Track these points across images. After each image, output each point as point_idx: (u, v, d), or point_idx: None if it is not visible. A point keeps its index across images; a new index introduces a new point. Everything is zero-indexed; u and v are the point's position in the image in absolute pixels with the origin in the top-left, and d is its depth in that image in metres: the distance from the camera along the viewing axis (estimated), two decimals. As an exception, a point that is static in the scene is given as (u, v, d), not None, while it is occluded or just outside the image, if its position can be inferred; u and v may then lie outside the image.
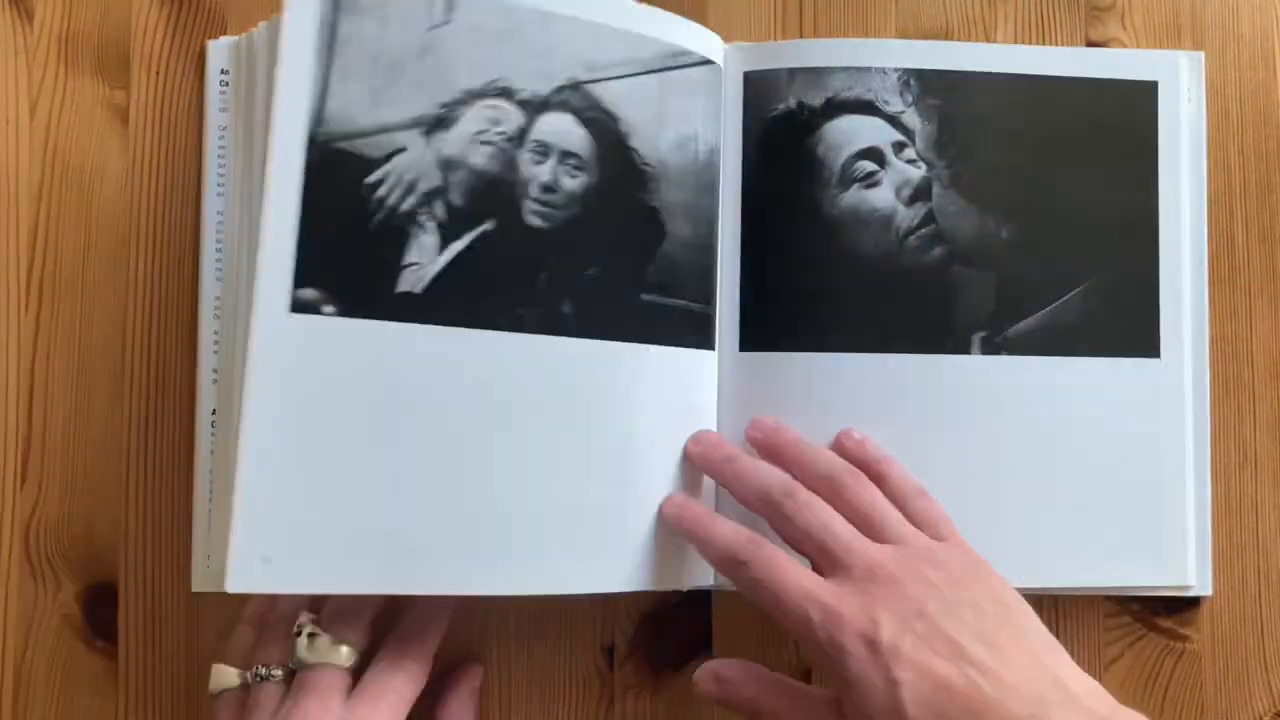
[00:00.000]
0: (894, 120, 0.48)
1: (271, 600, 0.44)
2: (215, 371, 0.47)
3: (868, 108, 0.48)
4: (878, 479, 0.44)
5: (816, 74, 0.48)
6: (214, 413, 0.47)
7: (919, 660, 0.37)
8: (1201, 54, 0.50)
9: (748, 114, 0.48)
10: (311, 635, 0.41)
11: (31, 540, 0.47)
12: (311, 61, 0.41)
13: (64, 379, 0.47)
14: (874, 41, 0.50)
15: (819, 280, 0.47)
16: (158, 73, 0.49)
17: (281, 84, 0.40)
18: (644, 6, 0.46)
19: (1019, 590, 0.41)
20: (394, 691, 0.41)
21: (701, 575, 0.45)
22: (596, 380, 0.44)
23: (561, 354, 0.43)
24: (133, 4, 0.49)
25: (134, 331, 0.48)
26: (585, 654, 0.48)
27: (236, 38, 0.49)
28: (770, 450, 0.46)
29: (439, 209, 0.42)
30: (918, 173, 0.48)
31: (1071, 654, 0.39)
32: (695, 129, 0.46)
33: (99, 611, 0.47)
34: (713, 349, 0.47)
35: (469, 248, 0.42)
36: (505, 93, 0.43)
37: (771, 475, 0.43)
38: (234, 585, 0.39)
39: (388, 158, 0.41)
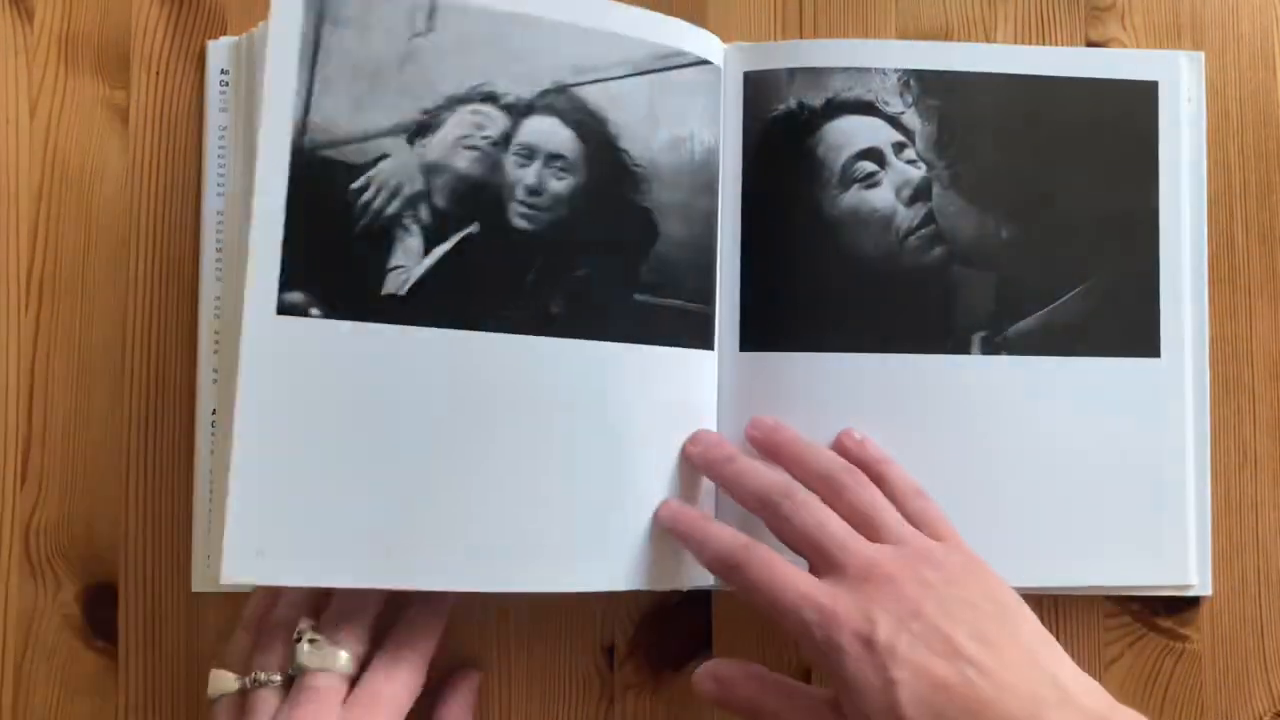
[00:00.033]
0: (894, 121, 0.48)
1: (270, 605, 0.44)
2: (215, 371, 0.47)
3: (868, 108, 0.48)
4: (877, 479, 0.44)
5: (816, 74, 0.48)
6: (214, 413, 0.47)
7: (915, 659, 0.37)
8: (1201, 54, 0.50)
9: (748, 114, 0.48)
10: (311, 641, 0.41)
11: (31, 540, 0.47)
12: (295, 72, 0.42)
13: (64, 379, 0.47)
14: (874, 42, 0.50)
15: (819, 280, 0.47)
16: (158, 73, 0.49)
17: (266, 95, 0.41)
18: (634, 9, 0.46)
19: (1019, 590, 0.41)
20: (390, 697, 0.41)
21: (701, 575, 0.45)
22: (587, 380, 0.44)
23: (550, 354, 0.43)
24: (133, 4, 0.49)
25: (134, 331, 0.48)
26: (585, 654, 0.48)
27: (236, 38, 0.49)
28: (769, 449, 0.46)
29: (423, 213, 0.43)
30: (918, 173, 0.48)
31: (1071, 654, 0.39)
32: (690, 129, 0.46)
33: (99, 611, 0.47)
34: (712, 349, 0.47)
35: (453, 250, 0.43)
36: (489, 97, 0.44)
37: (768, 476, 0.43)
38: (229, 576, 0.40)
39: (372, 164, 0.42)
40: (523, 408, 0.43)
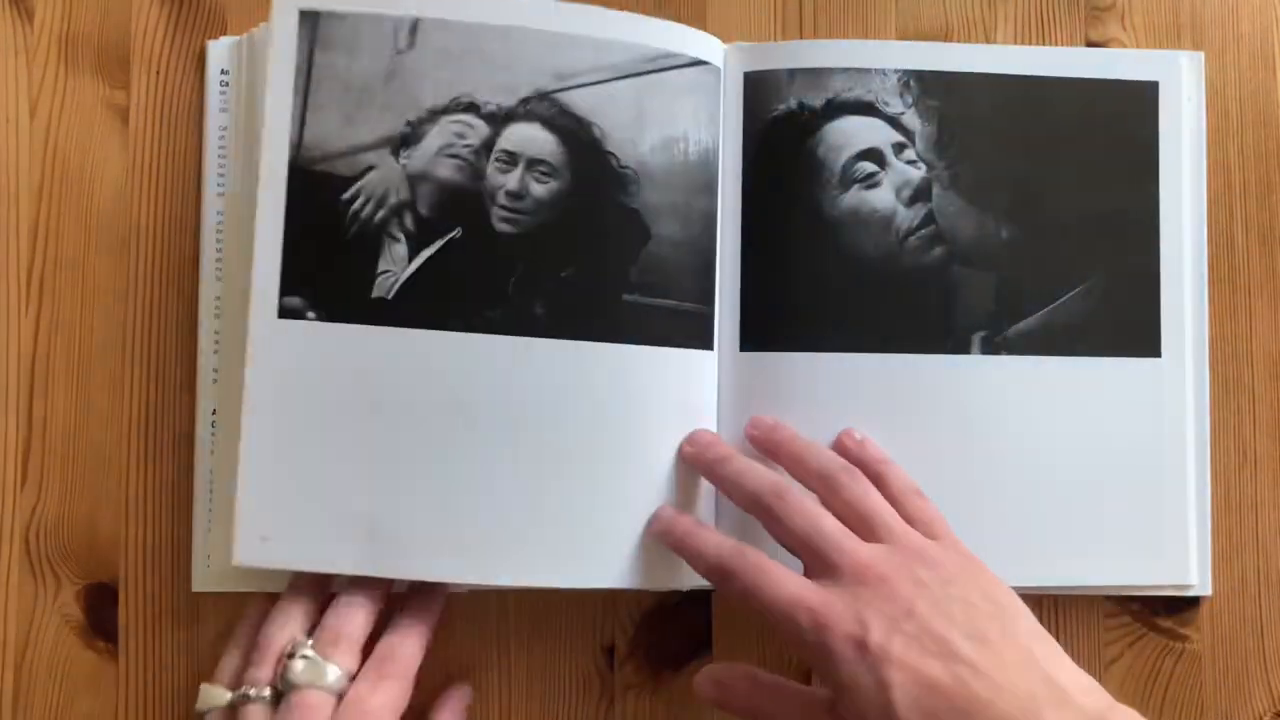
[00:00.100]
0: (894, 121, 0.48)
1: (261, 620, 0.44)
2: (215, 371, 0.47)
3: (868, 109, 0.48)
4: (876, 479, 0.44)
5: (817, 75, 0.48)
6: (214, 413, 0.47)
7: (908, 661, 0.37)
8: (1201, 54, 0.50)
9: (747, 114, 0.48)
10: (304, 657, 0.41)
11: (31, 540, 0.47)
12: (291, 95, 0.45)
13: (64, 379, 0.47)
14: (874, 42, 0.50)
15: (819, 280, 0.47)
16: (158, 73, 0.49)
17: (266, 117, 0.45)
18: (620, 13, 0.47)
19: (1018, 590, 0.41)
20: (377, 710, 0.41)
21: (700, 576, 0.45)
22: (575, 379, 0.45)
23: (534, 354, 0.45)
24: (133, 4, 0.49)
25: (134, 331, 0.48)
26: (585, 654, 0.48)
27: (236, 38, 0.49)
28: (768, 448, 0.46)
29: (408, 220, 0.45)
30: (918, 174, 0.48)
31: (1071, 654, 0.39)
32: (683, 130, 0.47)
33: (99, 611, 0.47)
34: (711, 349, 0.47)
35: (436, 255, 0.45)
36: (469, 107, 0.45)
37: (763, 476, 0.43)
38: (238, 559, 0.43)
39: (360, 175, 0.45)
40: (509, 406, 0.44)
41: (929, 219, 0.48)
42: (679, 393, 0.46)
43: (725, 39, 0.49)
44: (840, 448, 0.46)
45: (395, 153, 0.45)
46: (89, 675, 0.47)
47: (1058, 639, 0.40)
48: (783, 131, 0.48)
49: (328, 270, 0.44)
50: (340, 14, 0.45)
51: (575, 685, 0.48)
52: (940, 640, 0.38)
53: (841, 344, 0.47)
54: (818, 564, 0.41)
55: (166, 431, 0.47)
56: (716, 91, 0.48)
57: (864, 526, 0.41)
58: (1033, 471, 0.47)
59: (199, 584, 0.47)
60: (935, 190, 0.48)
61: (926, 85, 0.48)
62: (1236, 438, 0.50)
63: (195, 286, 0.48)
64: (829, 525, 0.41)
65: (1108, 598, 0.49)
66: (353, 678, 0.42)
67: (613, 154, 0.46)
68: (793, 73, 0.48)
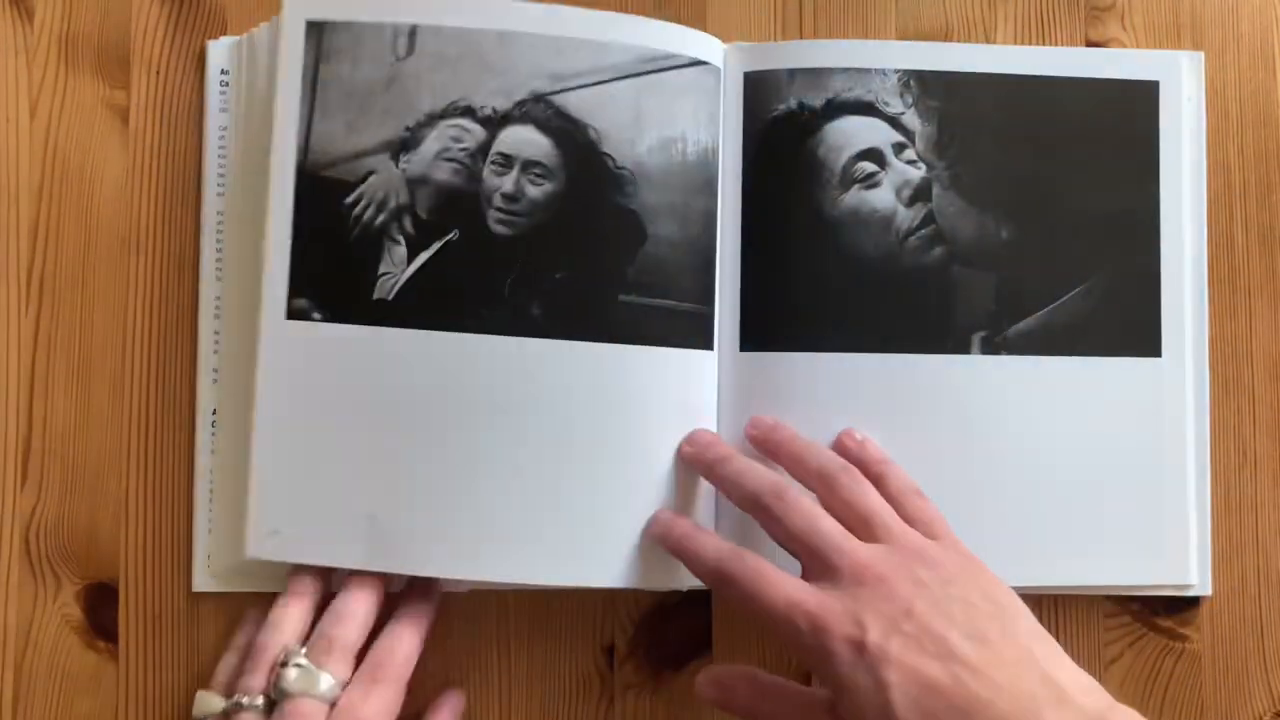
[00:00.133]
0: (894, 121, 0.48)
1: (257, 625, 0.44)
2: (215, 371, 0.47)
3: (868, 109, 0.48)
4: (876, 480, 0.44)
5: (817, 75, 0.48)
6: (214, 413, 0.47)
7: (907, 662, 0.37)
8: (1201, 54, 0.50)
9: (748, 114, 0.48)
10: (298, 666, 0.41)
11: (31, 540, 0.47)
12: (298, 104, 0.46)
13: (64, 379, 0.47)
14: (874, 42, 0.50)
15: (819, 280, 0.47)
16: (158, 73, 0.49)
17: (276, 127, 0.46)
18: (617, 15, 0.47)
19: (1018, 590, 0.41)
20: (369, 718, 0.41)
21: (701, 575, 0.45)
22: (571, 379, 0.45)
23: (530, 354, 0.45)
24: (133, 4, 0.49)
25: (134, 331, 0.48)
26: (585, 654, 0.48)
27: (237, 38, 0.49)
28: (768, 448, 0.46)
29: (407, 223, 0.46)
30: (918, 174, 0.48)
31: (1071, 654, 0.39)
32: (681, 130, 0.47)
33: (99, 611, 0.47)
34: (711, 349, 0.47)
35: (434, 256, 0.46)
36: (466, 111, 0.46)
37: (762, 477, 0.43)
38: (249, 553, 0.44)
39: (362, 179, 0.46)
40: (507, 405, 0.45)
41: (929, 219, 0.48)
42: (679, 393, 0.46)
43: (725, 39, 0.49)
44: (840, 448, 0.46)
45: (395, 157, 0.46)
46: (89, 675, 0.47)
47: (1058, 639, 0.40)
48: (783, 131, 0.48)
49: (332, 272, 0.45)
50: (344, 23, 0.46)
51: (575, 685, 0.48)
52: (939, 640, 0.38)
53: (842, 344, 0.47)
54: (816, 565, 0.41)
55: (166, 431, 0.47)
56: (716, 92, 0.48)
57: (863, 526, 0.41)
58: (1033, 471, 0.47)
59: (199, 584, 0.47)
60: (935, 190, 0.48)
61: (927, 85, 0.48)
62: (1236, 438, 0.50)
63: (195, 286, 0.48)
64: (827, 526, 0.41)
65: (1108, 598, 0.49)
66: (346, 685, 0.42)
67: (609, 155, 0.46)
68: (793, 73, 0.48)
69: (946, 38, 0.51)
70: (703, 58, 0.47)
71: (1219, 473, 0.49)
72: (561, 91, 0.46)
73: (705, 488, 0.46)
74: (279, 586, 0.45)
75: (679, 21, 0.48)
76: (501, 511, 0.45)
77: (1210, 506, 0.48)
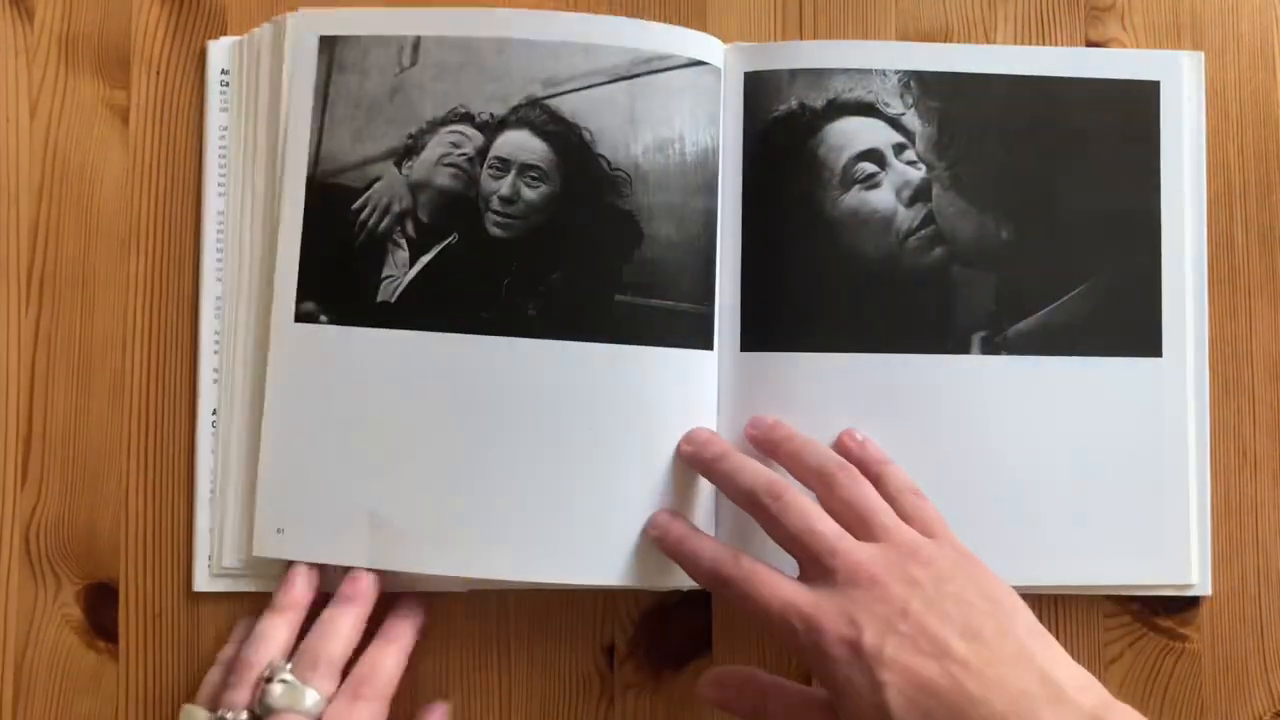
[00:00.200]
0: (894, 122, 0.48)
1: (245, 638, 0.44)
2: (215, 371, 0.47)
3: (868, 109, 0.48)
4: (875, 479, 0.44)
5: (817, 75, 0.48)
6: (214, 413, 0.47)
7: (902, 661, 0.37)
8: (1201, 54, 0.50)
9: (748, 114, 0.48)
10: (284, 681, 0.41)
11: (31, 540, 0.47)
12: (309, 116, 0.47)
13: (64, 379, 0.47)
14: (875, 43, 0.50)
15: (820, 281, 0.47)
16: (158, 73, 0.49)
17: (289, 138, 0.47)
18: (614, 18, 0.48)
19: (1019, 589, 0.41)
20: None
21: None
22: (568, 379, 0.46)
23: (528, 354, 0.46)
24: (133, 4, 0.49)
25: (134, 331, 0.48)
26: (585, 654, 0.48)
27: (237, 38, 0.49)
28: (767, 447, 0.46)
29: (409, 227, 0.47)
30: (918, 174, 0.48)
31: (1071, 654, 0.39)
32: (679, 130, 0.47)
33: (99, 611, 0.47)
34: (711, 349, 0.47)
35: (435, 259, 0.47)
36: (464, 118, 0.47)
37: (759, 474, 0.43)
38: (255, 551, 0.46)
39: (368, 186, 0.47)
40: (506, 405, 0.46)
41: (929, 219, 0.48)
42: (678, 392, 0.46)
43: (725, 39, 0.49)
44: (841, 448, 0.46)
45: (399, 164, 0.47)
46: (89, 675, 0.47)
47: (1058, 639, 0.40)
48: (783, 131, 0.48)
49: (338, 276, 0.47)
50: (354, 37, 0.47)
51: (575, 685, 0.48)
52: (934, 639, 0.38)
53: (842, 344, 0.47)
54: (812, 566, 0.41)
55: (166, 431, 0.47)
56: (716, 92, 0.48)
57: (860, 525, 0.42)
58: (1033, 471, 0.47)
59: (199, 584, 0.47)
60: (935, 191, 0.48)
61: (927, 86, 0.48)
62: (1236, 438, 0.50)
63: (195, 286, 0.48)
64: (823, 527, 0.41)
65: (1108, 598, 0.49)
66: (331, 700, 0.42)
67: (604, 157, 0.47)
68: (794, 73, 0.48)
69: (946, 38, 0.51)
70: (702, 58, 0.48)
71: (1219, 473, 0.49)
72: (556, 95, 0.47)
73: (705, 487, 0.46)
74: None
75: (679, 22, 0.48)
76: (502, 510, 0.45)
77: (1210, 506, 0.48)
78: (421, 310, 0.46)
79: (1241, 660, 0.49)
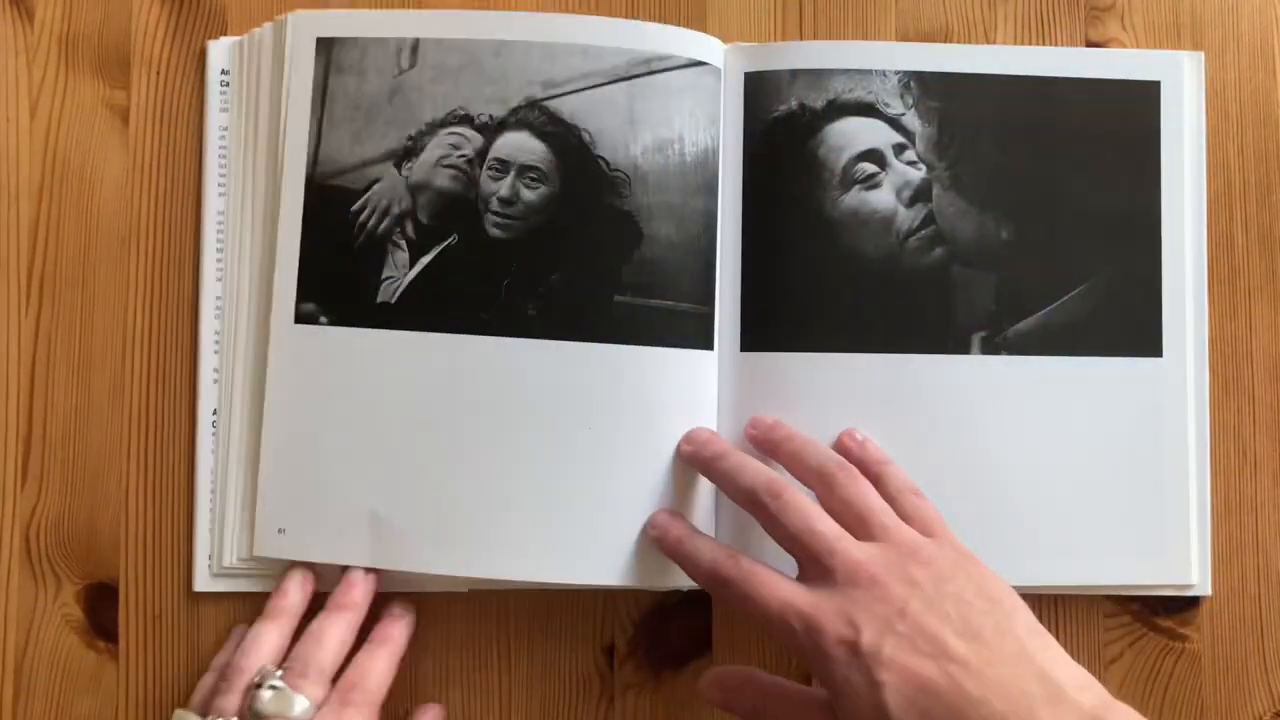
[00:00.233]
0: (894, 122, 0.48)
1: (236, 647, 0.44)
2: (216, 371, 0.47)
3: (869, 110, 0.48)
4: (875, 480, 0.44)
5: (818, 75, 0.48)
6: (214, 413, 0.47)
7: (900, 661, 0.37)
8: (1201, 54, 0.50)
9: (748, 114, 0.48)
10: (273, 688, 0.41)
11: (31, 540, 0.47)
12: (308, 117, 0.47)
13: (64, 379, 0.47)
14: (875, 44, 0.50)
15: (820, 281, 0.47)
16: (158, 73, 0.49)
17: (288, 140, 0.47)
18: (612, 20, 0.48)
19: (1019, 589, 0.41)
20: None
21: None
22: (568, 379, 0.46)
23: (527, 354, 0.46)
24: (133, 4, 0.49)
25: (134, 331, 0.48)
26: (585, 654, 0.48)
27: (237, 38, 0.49)
28: (767, 447, 0.46)
29: (409, 228, 0.47)
30: (918, 174, 0.48)
31: (1071, 654, 0.39)
32: (678, 131, 0.47)
33: (99, 611, 0.47)
34: (711, 349, 0.47)
35: (434, 260, 0.47)
36: (464, 119, 0.47)
37: (759, 473, 0.43)
38: (257, 550, 0.46)
39: (367, 188, 0.47)
40: (505, 405, 0.46)
41: (929, 220, 0.48)
42: (679, 393, 0.46)
43: (725, 40, 0.49)
44: (841, 448, 0.46)
45: (398, 165, 0.47)
46: (89, 675, 0.47)
47: (1058, 639, 0.40)
48: (783, 132, 0.48)
49: (338, 277, 0.47)
50: (352, 39, 0.48)
51: (575, 685, 0.48)
52: (933, 639, 0.38)
53: (842, 344, 0.47)
54: (811, 565, 0.41)
55: (166, 431, 0.47)
56: (716, 92, 0.48)
57: (859, 525, 0.42)
58: (1033, 471, 0.47)
59: (199, 584, 0.47)
60: (935, 191, 0.48)
61: (927, 86, 0.48)
62: (1236, 438, 0.50)
63: (195, 286, 0.48)
64: (822, 526, 0.41)
65: (1108, 598, 0.49)
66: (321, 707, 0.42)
67: (603, 158, 0.47)
68: (794, 73, 0.48)
69: (946, 38, 0.51)
70: (703, 58, 0.48)
71: (1219, 473, 0.49)
72: (555, 97, 0.47)
73: (705, 487, 0.46)
74: (280, 586, 0.45)
75: (679, 22, 0.48)
76: (502, 510, 0.45)
77: (1210, 506, 0.48)
78: (421, 311, 0.46)
79: (1241, 660, 0.49)
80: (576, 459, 0.46)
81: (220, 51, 0.49)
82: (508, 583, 0.46)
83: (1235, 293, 0.50)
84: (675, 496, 0.46)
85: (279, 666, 0.42)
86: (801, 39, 0.51)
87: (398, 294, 0.46)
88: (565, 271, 0.46)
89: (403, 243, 0.47)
